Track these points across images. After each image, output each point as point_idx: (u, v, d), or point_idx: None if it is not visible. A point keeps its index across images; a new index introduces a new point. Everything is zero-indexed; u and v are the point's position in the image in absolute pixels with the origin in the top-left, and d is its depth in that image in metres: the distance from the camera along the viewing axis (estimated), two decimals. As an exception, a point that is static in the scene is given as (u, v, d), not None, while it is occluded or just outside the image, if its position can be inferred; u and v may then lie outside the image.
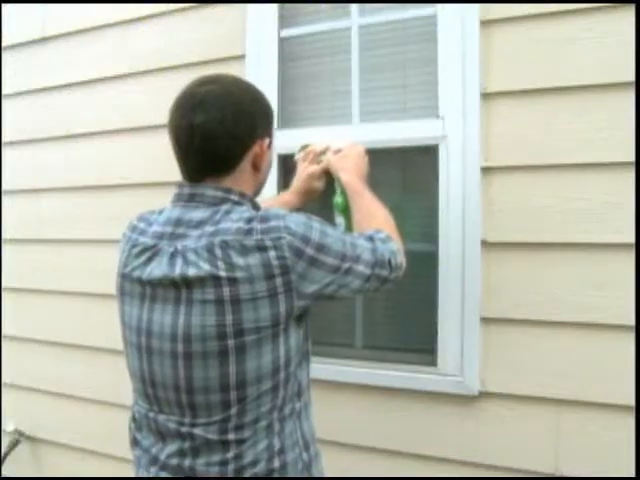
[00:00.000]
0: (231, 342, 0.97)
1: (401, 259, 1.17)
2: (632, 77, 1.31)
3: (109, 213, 2.03)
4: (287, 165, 1.71)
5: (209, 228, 1.01)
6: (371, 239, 1.13)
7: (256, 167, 1.10)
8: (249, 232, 0.98)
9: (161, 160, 1.94)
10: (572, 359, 1.39)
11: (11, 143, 2.25)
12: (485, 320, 1.48)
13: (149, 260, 1.04)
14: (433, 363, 1.53)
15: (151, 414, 1.09)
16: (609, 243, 1.35)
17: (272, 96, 1.72)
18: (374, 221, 1.22)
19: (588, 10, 1.36)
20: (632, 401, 1.31)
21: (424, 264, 1.58)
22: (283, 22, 1.73)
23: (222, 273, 0.96)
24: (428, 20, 1.54)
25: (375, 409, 1.60)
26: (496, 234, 1.46)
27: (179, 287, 1.00)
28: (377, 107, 1.64)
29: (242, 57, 1.77)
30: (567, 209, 1.39)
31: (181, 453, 1.03)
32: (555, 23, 1.39)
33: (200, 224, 1.02)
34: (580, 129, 1.37)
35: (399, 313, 1.65)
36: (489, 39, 1.46)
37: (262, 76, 1.73)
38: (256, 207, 1.10)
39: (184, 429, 1.03)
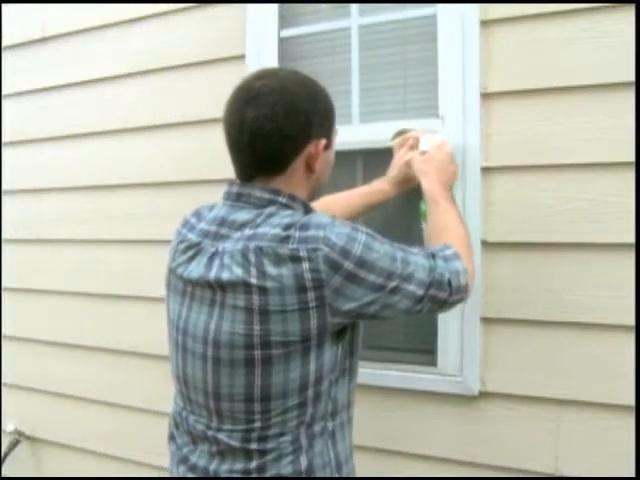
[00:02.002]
0: (258, 353, 0.95)
1: (466, 280, 1.06)
2: (632, 77, 1.31)
3: (109, 213, 2.03)
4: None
5: (248, 231, 0.97)
6: (433, 256, 1.04)
7: (310, 168, 1.04)
8: (285, 240, 0.94)
9: (161, 160, 1.94)
10: (572, 359, 1.39)
11: (11, 143, 2.25)
12: (485, 320, 1.48)
13: (192, 258, 1.03)
14: (433, 363, 1.53)
15: (184, 413, 1.08)
16: (609, 243, 1.35)
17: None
18: (445, 235, 1.13)
19: (588, 10, 1.36)
20: (632, 401, 1.31)
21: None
22: (283, 22, 1.73)
23: (253, 280, 0.93)
24: (428, 20, 1.54)
25: (375, 409, 1.59)
26: (496, 234, 1.46)
27: (214, 289, 0.98)
28: (377, 107, 1.64)
29: (242, 57, 1.77)
30: (567, 209, 1.39)
31: (209, 456, 1.02)
32: (555, 23, 1.39)
33: (242, 226, 0.99)
34: (580, 129, 1.37)
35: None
36: (489, 39, 1.46)
37: (262, 76, 1.73)
38: (308, 211, 1.05)
39: (210, 433, 1.02)
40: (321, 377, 0.99)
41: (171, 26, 1.90)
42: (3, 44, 2.24)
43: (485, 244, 1.47)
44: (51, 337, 2.16)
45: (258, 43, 1.74)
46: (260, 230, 0.96)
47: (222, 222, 1.03)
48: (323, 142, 1.05)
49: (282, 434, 0.98)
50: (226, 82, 1.78)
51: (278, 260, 0.92)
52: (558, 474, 1.41)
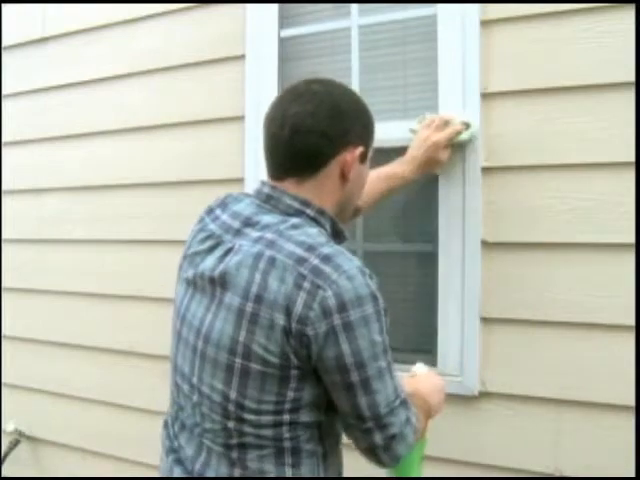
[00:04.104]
0: (238, 362, 0.93)
1: (403, 454, 0.99)
2: (632, 77, 1.31)
3: (109, 213, 2.03)
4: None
5: (269, 235, 0.95)
6: (403, 404, 0.97)
7: (344, 176, 1.02)
8: (300, 261, 0.90)
9: (161, 160, 1.94)
10: (572, 359, 1.39)
11: (11, 143, 2.25)
12: (485, 320, 1.48)
13: (210, 250, 1.02)
14: (433, 363, 1.53)
15: (176, 407, 1.08)
16: (609, 243, 1.35)
17: (272, 96, 1.72)
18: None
19: (588, 10, 1.36)
20: (632, 401, 1.31)
21: (424, 264, 1.58)
22: (283, 22, 1.73)
23: (254, 288, 0.91)
24: (428, 20, 1.54)
25: (375, 409, 1.59)
26: (496, 234, 1.46)
27: (215, 285, 0.97)
28: (377, 107, 1.62)
29: (242, 57, 1.77)
30: (567, 209, 1.39)
31: (195, 454, 1.01)
32: (555, 23, 1.39)
33: (264, 228, 0.98)
34: (580, 129, 1.37)
35: (399, 313, 1.64)
36: (489, 39, 1.46)
37: (262, 76, 1.74)
38: (336, 230, 1.04)
39: (197, 430, 1.01)
40: (299, 408, 0.95)
41: (171, 26, 1.90)
42: (3, 44, 2.24)
43: (485, 244, 1.47)
44: (51, 337, 2.16)
45: (258, 43, 1.74)
46: (280, 242, 0.94)
47: (246, 221, 1.01)
48: (360, 150, 1.03)
49: (261, 447, 0.95)
50: (226, 82, 1.81)
51: (283, 277, 0.90)
52: (558, 474, 1.41)
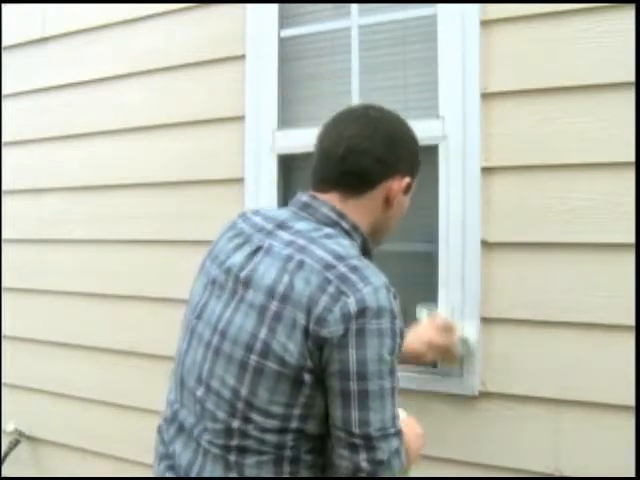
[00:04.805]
0: (254, 358, 0.93)
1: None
2: (632, 77, 1.31)
3: (109, 213, 2.03)
4: (287, 165, 1.71)
5: (301, 241, 0.97)
6: (397, 434, 0.94)
7: (388, 203, 1.06)
8: (328, 267, 0.92)
9: (161, 160, 1.94)
10: (572, 359, 1.39)
11: (11, 143, 2.25)
12: (485, 320, 1.48)
13: (238, 247, 1.03)
14: (433, 363, 1.53)
15: (175, 406, 1.07)
16: (609, 243, 1.35)
17: (272, 96, 1.73)
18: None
19: (588, 10, 1.36)
20: (632, 401, 1.31)
21: (424, 264, 1.58)
22: (283, 22, 1.73)
23: (280, 287, 0.93)
24: (428, 20, 1.54)
25: (375, 409, 1.59)
26: (496, 234, 1.46)
27: (239, 282, 0.98)
28: (377, 107, 1.64)
29: (242, 57, 1.77)
30: (567, 209, 1.39)
31: (191, 460, 1.00)
32: (555, 23, 1.39)
33: (296, 233, 0.99)
34: (580, 129, 1.37)
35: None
36: (489, 39, 1.46)
37: (262, 76, 1.74)
38: (365, 248, 1.05)
39: (195, 430, 1.01)
40: (308, 417, 0.95)
41: (171, 26, 1.90)
42: (3, 44, 2.24)
43: (485, 244, 1.47)
44: (51, 337, 2.16)
45: (258, 43, 1.74)
46: (311, 248, 0.95)
47: (280, 225, 1.03)
48: (407, 180, 1.07)
49: (261, 452, 0.95)
50: (226, 82, 1.81)
51: (309, 278, 0.92)
52: (558, 474, 1.41)
